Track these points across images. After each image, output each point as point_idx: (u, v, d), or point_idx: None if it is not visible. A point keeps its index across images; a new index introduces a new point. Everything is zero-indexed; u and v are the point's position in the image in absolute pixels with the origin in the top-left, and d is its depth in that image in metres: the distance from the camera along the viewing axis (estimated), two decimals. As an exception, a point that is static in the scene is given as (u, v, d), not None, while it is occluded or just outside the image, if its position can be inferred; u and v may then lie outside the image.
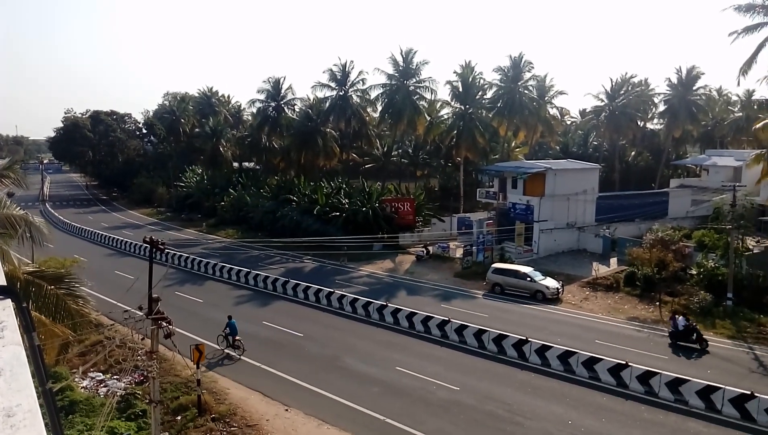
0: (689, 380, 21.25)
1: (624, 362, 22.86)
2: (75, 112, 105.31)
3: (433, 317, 29.23)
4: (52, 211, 79.38)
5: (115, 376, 24.46)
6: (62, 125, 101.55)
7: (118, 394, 21.94)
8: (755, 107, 49.88)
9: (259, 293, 37.26)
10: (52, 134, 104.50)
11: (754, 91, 73.87)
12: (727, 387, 20.53)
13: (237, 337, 26.61)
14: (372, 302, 32.05)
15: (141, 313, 15.84)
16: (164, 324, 15.99)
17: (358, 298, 32.86)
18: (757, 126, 42.61)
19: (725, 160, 61.26)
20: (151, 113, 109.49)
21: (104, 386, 23.97)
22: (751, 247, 37.15)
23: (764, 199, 42.06)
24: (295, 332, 29.35)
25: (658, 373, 21.94)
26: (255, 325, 30.63)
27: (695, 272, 34.86)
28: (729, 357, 25.72)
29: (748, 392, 19.97)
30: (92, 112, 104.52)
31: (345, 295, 33.58)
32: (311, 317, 32.20)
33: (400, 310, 30.62)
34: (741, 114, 73.61)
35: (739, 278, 32.55)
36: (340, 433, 19.49)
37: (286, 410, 21.22)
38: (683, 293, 33.49)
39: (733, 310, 30.96)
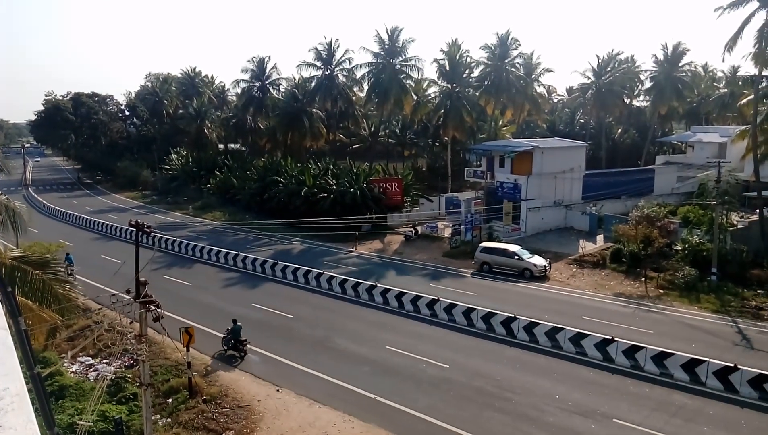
0: (674, 354, 21.62)
1: (610, 337, 23.19)
2: (56, 95, 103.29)
3: (422, 296, 29.38)
4: (36, 195, 78.38)
5: (104, 360, 24.41)
6: (43, 108, 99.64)
7: (108, 377, 21.85)
8: (740, 83, 50.03)
9: (248, 275, 37.16)
10: (33, 118, 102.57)
11: (739, 67, 74.35)
12: (711, 360, 20.92)
13: (72, 266, 33.54)
14: (361, 283, 32.11)
15: (129, 297, 15.72)
16: (152, 307, 15.89)
17: (348, 279, 32.90)
18: (742, 102, 42.97)
19: (710, 137, 61.69)
20: (134, 95, 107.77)
21: (94, 370, 23.91)
22: (735, 222, 37.62)
23: (748, 174, 42.45)
24: (285, 314, 29.38)
25: (644, 347, 22.30)
26: (245, 307, 30.62)
27: (680, 248, 35.29)
28: (713, 331, 26.18)
29: (732, 365, 20.37)
30: (73, 94, 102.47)
31: (334, 276, 33.60)
32: (301, 299, 32.22)
33: (390, 290, 30.72)
34: (726, 90, 74.02)
35: (723, 253, 33.03)
36: (331, 412, 19.64)
37: (278, 391, 21.33)
38: (668, 269, 33.94)
39: (718, 284, 31.44)
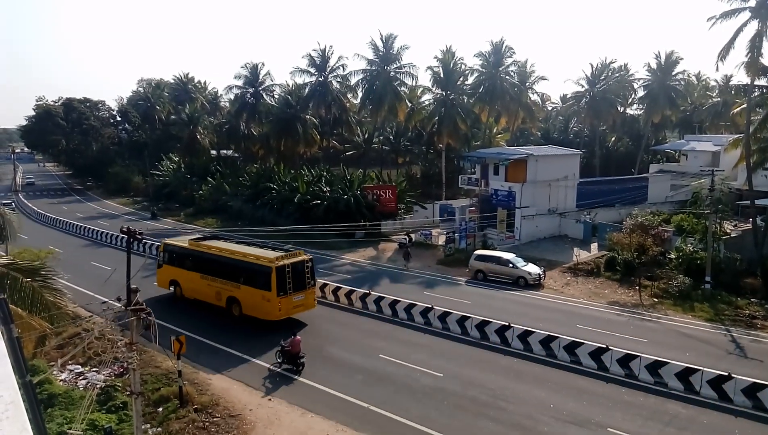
0: (668, 363, 21.56)
1: (605, 346, 23.09)
2: (47, 100, 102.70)
3: (416, 305, 29.20)
4: (26, 201, 77.72)
5: (94, 369, 24.08)
6: (34, 113, 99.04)
7: (97, 386, 21.55)
8: (733, 92, 50.41)
9: (241, 282, 36.77)
10: (24, 123, 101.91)
11: (731, 76, 75.01)
12: (705, 369, 20.86)
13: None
14: (355, 290, 31.90)
15: (119, 305, 15.51)
16: (143, 315, 15.68)
17: (341, 287, 32.68)
18: (735, 111, 43.22)
19: (703, 145, 62.12)
20: (125, 100, 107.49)
21: (83, 379, 23.56)
22: (728, 231, 37.81)
23: (741, 183, 42.69)
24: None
25: (638, 356, 22.22)
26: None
27: (674, 256, 35.37)
28: (707, 339, 26.16)
29: (726, 373, 20.31)
30: (65, 100, 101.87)
31: (327, 284, 33.37)
32: (294, 306, 31.91)
33: (383, 298, 30.52)
34: (719, 99, 74.56)
35: (717, 262, 33.10)
36: (324, 422, 19.39)
37: (269, 400, 21.07)
38: (662, 277, 34.00)
39: (711, 293, 31.49)
